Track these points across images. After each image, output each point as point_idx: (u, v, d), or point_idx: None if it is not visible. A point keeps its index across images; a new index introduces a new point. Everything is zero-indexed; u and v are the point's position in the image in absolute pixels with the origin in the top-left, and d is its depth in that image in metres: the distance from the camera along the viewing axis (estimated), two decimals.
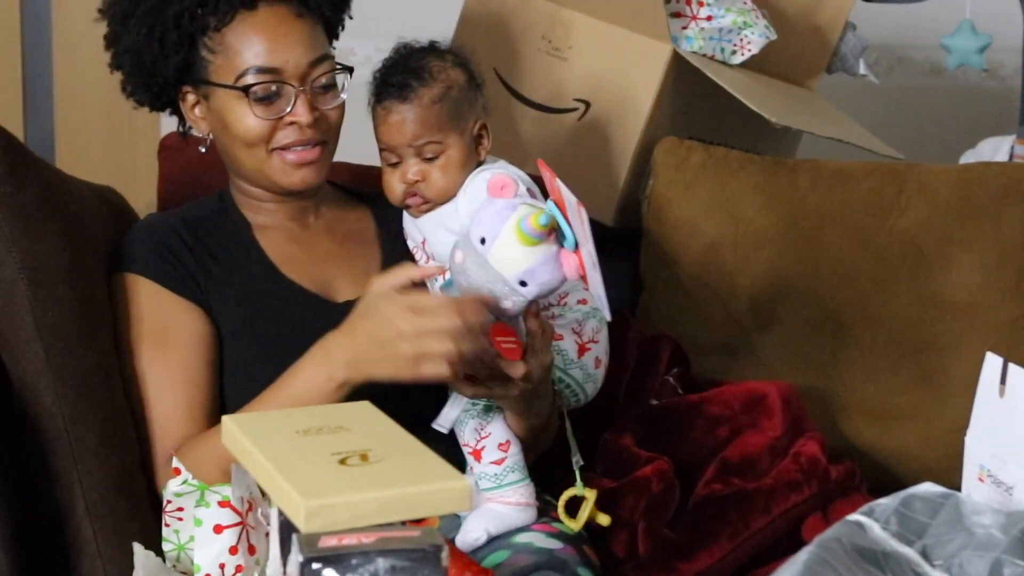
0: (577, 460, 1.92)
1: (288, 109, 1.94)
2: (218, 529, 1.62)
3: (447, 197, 1.99)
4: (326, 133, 1.98)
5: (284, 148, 1.96)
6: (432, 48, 2.02)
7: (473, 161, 2.01)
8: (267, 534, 1.54)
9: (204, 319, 1.96)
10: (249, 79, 1.92)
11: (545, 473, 2.01)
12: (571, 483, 1.96)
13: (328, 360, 1.76)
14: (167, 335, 1.93)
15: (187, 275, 1.96)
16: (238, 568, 1.61)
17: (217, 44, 1.95)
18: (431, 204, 1.99)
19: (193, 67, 1.97)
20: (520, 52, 2.59)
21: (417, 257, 2.08)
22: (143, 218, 2.09)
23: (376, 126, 1.99)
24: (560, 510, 1.91)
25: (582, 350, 2.01)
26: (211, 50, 1.95)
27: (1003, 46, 3.03)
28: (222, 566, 1.62)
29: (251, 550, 1.60)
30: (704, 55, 2.51)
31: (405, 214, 2.09)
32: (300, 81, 1.94)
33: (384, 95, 1.97)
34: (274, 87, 1.93)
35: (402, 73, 1.97)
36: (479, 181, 1.98)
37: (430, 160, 1.97)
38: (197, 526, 1.60)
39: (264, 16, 1.94)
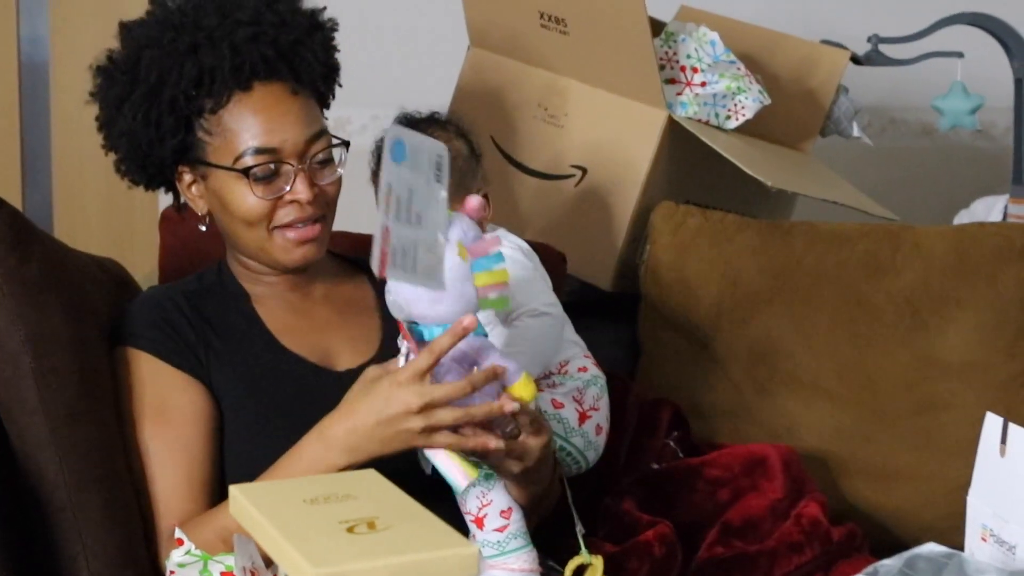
0: (580, 528, 1.92)
1: (287, 188, 1.93)
2: None
3: None
4: (324, 208, 1.98)
5: (285, 226, 1.97)
6: (434, 119, 2.04)
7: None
8: None
9: (204, 393, 1.96)
10: (248, 160, 1.92)
11: (547, 538, 2.01)
12: (574, 547, 1.96)
13: (327, 449, 1.76)
14: (167, 411, 1.93)
15: (187, 349, 1.96)
16: None
17: (214, 126, 1.94)
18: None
19: (190, 149, 1.96)
20: (517, 120, 2.61)
21: None
22: (143, 291, 2.08)
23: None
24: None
25: (583, 418, 2.01)
26: (208, 131, 1.94)
27: (995, 105, 3.06)
28: None
29: None
30: (699, 120, 2.54)
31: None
32: (299, 159, 1.93)
33: None
34: (273, 166, 1.92)
35: None
36: None
37: None
38: None
39: (259, 96, 1.94)
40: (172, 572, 1.65)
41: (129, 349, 1.97)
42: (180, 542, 1.69)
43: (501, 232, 2.06)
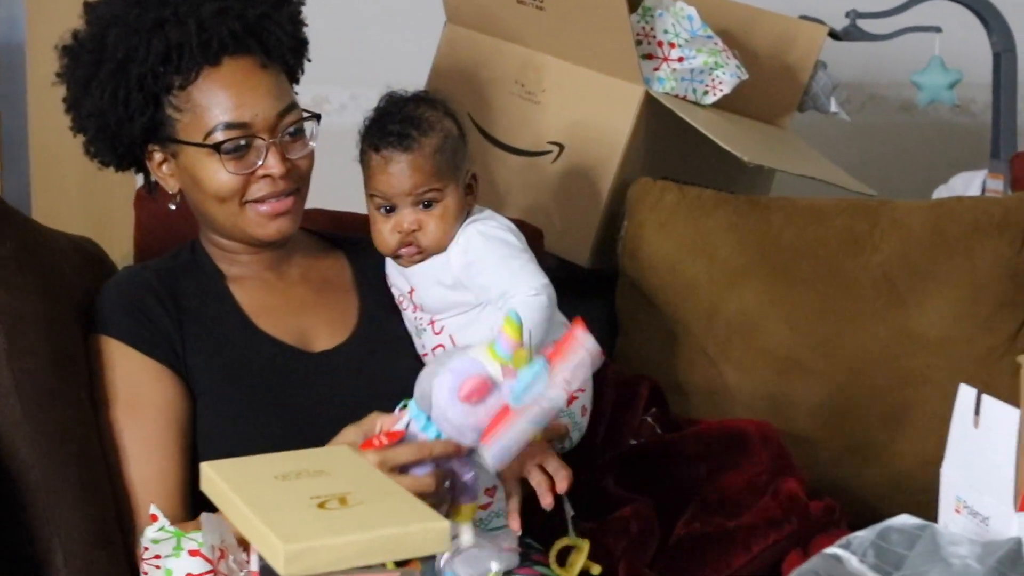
0: (569, 510, 1.92)
1: (260, 162, 1.92)
2: None
3: (442, 247, 1.99)
4: (298, 182, 1.97)
5: (256, 201, 1.96)
6: (424, 98, 2.03)
7: (465, 210, 2.02)
8: None
9: (177, 383, 1.94)
10: (219, 136, 1.91)
11: (527, 517, 2.01)
12: (553, 525, 1.96)
13: None
14: (139, 402, 1.92)
15: (160, 336, 1.95)
16: None
17: (183, 102, 1.93)
18: (425, 254, 2.00)
19: (159, 126, 1.95)
20: (494, 97, 2.61)
21: (403, 307, 2.08)
22: (116, 274, 2.07)
23: (372, 175, 1.98)
24: (552, 559, 1.92)
25: (571, 398, 2.02)
26: (177, 108, 1.93)
27: (973, 81, 3.06)
28: None
29: None
30: (676, 96, 2.53)
31: (389, 262, 2.09)
32: (270, 133, 1.93)
33: (383, 144, 1.96)
34: (244, 141, 1.92)
35: (399, 122, 1.97)
36: (471, 233, 1.99)
37: (427, 209, 1.97)
38: None
39: (229, 70, 1.93)
40: (146, 548, 1.65)
41: (102, 337, 1.96)
42: (154, 518, 1.69)
43: (488, 213, 2.06)
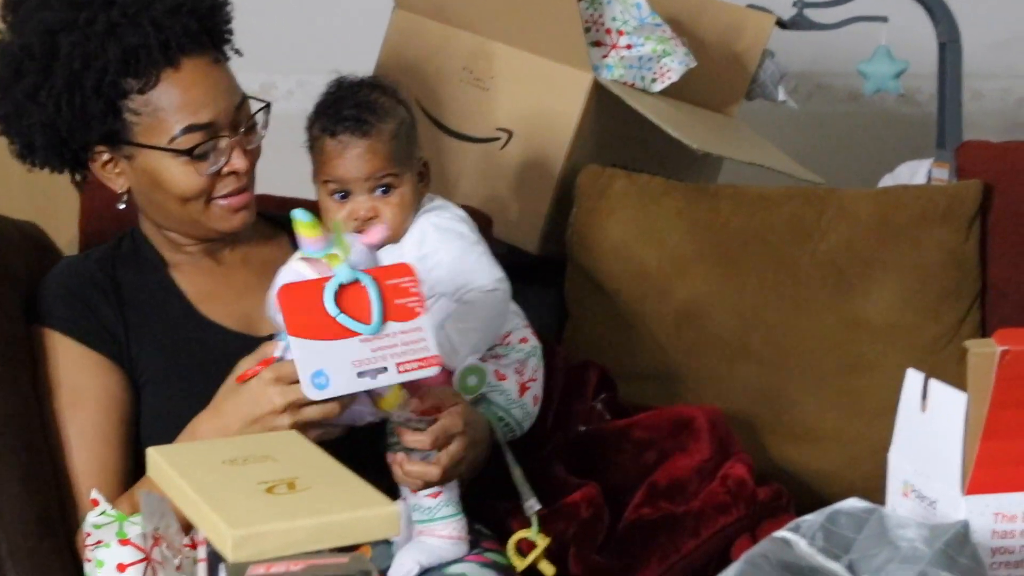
0: (531, 506, 1.92)
1: (224, 160, 1.91)
2: (121, 568, 1.59)
3: (398, 234, 1.98)
4: (252, 171, 1.97)
5: (221, 196, 1.94)
6: (376, 84, 2.01)
7: (419, 198, 2.01)
8: (177, 567, 1.52)
9: (119, 376, 1.93)
10: (187, 138, 1.88)
11: (476, 502, 2.01)
12: (504, 510, 1.96)
13: None
14: (81, 395, 1.91)
15: (102, 328, 1.93)
16: None
17: (141, 106, 1.89)
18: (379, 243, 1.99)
19: (115, 131, 1.91)
20: (442, 83, 2.60)
21: None
22: (57, 265, 2.04)
23: (326, 160, 1.96)
24: (511, 548, 1.92)
25: (523, 389, 2.01)
26: (135, 112, 1.89)
27: (919, 72, 3.07)
28: None
29: None
30: (625, 83, 2.53)
31: None
32: (232, 130, 1.91)
33: (340, 129, 1.94)
34: (211, 142, 1.90)
35: (353, 107, 1.95)
36: (426, 225, 1.98)
37: (384, 195, 1.96)
38: (99, 568, 1.58)
39: (188, 71, 1.89)
40: (88, 534, 1.63)
41: (44, 329, 1.94)
42: (95, 503, 1.67)
43: (440, 202, 2.05)
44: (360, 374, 1.62)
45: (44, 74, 1.89)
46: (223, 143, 1.90)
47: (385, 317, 1.63)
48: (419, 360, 1.65)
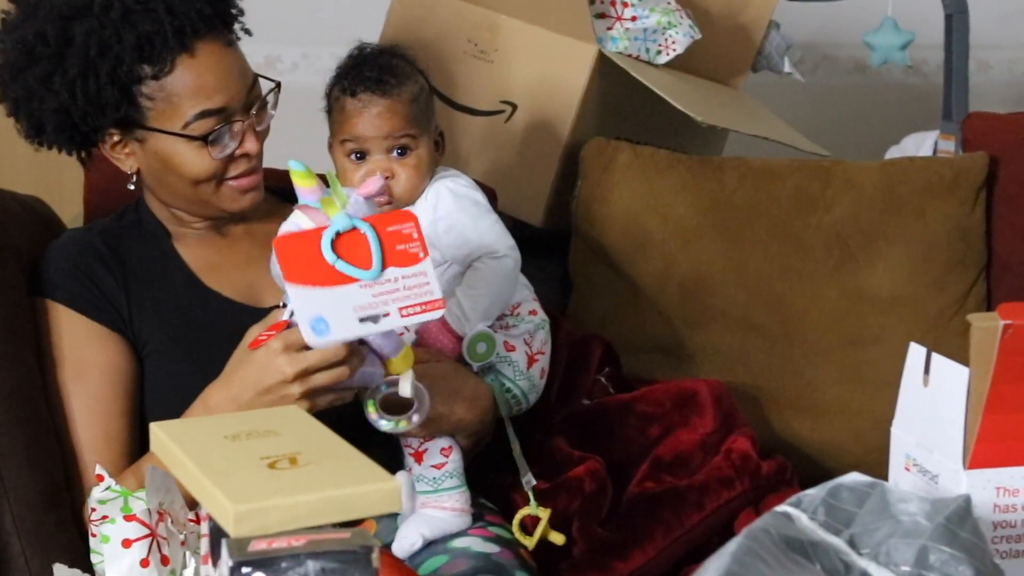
0: (528, 480, 1.92)
1: (237, 143, 1.92)
2: (126, 544, 1.60)
3: (412, 198, 1.98)
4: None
5: (233, 177, 1.94)
6: (396, 52, 2.03)
7: (434, 165, 2.01)
8: (183, 542, 1.53)
9: (122, 348, 1.94)
10: (201, 123, 1.89)
11: (479, 476, 2.01)
12: (507, 484, 1.97)
13: None
14: (84, 366, 1.92)
15: (104, 299, 1.94)
16: None
17: (156, 91, 1.89)
18: (394, 205, 1.99)
19: (129, 116, 1.92)
20: (446, 55, 2.59)
21: None
22: (60, 237, 2.04)
23: (346, 119, 1.97)
24: (515, 528, 1.93)
25: (531, 361, 2.02)
26: (149, 97, 1.90)
27: (925, 43, 3.06)
28: None
29: (164, 560, 1.59)
30: (629, 55, 2.52)
31: None
32: (244, 113, 1.92)
33: (359, 88, 1.95)
34: (224, 126, 1.90)
35: (376, 69, 1.96)
36: (441, 189, 1.98)
37: (400, 157, 1.96)
38: (104, 543, 1.59)
39: (202, 56, 1.90)
40: (93, 509, 1.64)
41: (47, 301, 1.94)
42: (100, 478, 1.68)
43: (455, 172, 2.05)
44: (362, 319, 1.60)
45: (58, 61, 1.89)
46: (236, 127, 1.91)
47: (385, 263, 1.61)
48: (422, 304, 1.63)
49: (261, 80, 1.99)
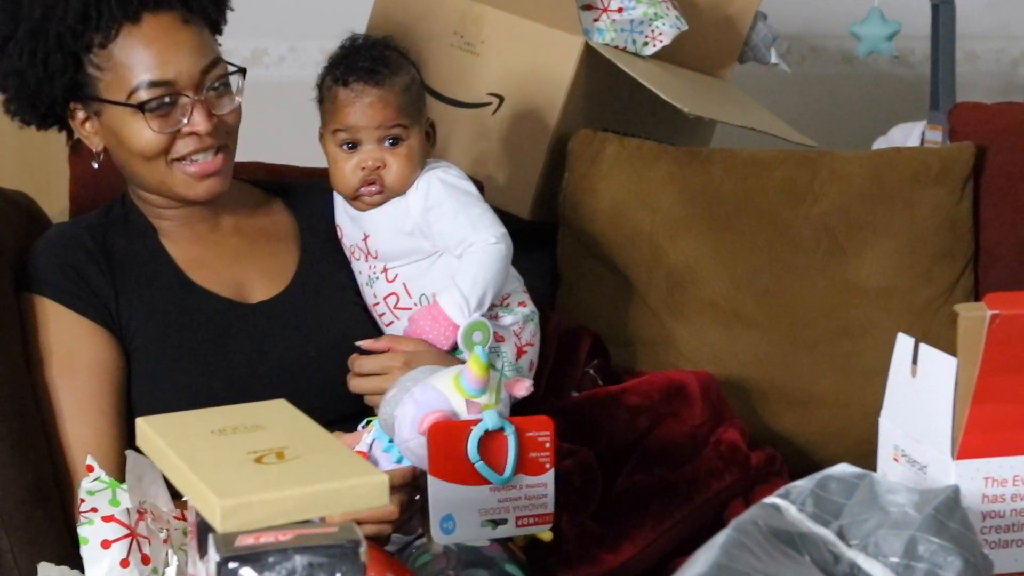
0: None
1: (185, 120, 1.90)
2: (105, 544, 1.59)
3: (403, 188, 1.99)
4: (225, 138, 1.95)
5: (183, 159, 1.92)
6: (388, 43, 2.03)
7: (425, 156, 2.01)
8: (166, 539, 1.52)
9: (111, 343, 1.93)
10: (142, 94, 1.88)
11: None
12: None
13: None
14: (73, 362, 1.91)
15: (92, 294, 1.93)
16: None
17: (104, 61, 1.90)
18: (385, 195, 1.99)
19: (81, 86, 1.92)
20: (432, 48, 2.58)
21: (354, 257, 2.07)
22: (46, 232, 2.03)
23: (338, 109, 1.97)
24: None
25: (520, 353, 2.02)
26: (98, 67, 1.90)
27: (912, 33, 3.06)
28: None
29: (145, 560, 1.58)
30: (616, 47, 2.52)
31: (340, 211, 2.07)
32: (195, 90, 1.90)
33: (352, 78, 1.96)
34: (168, 99, 1.89)
35: (369, 60, 1.97)
36: (432, 179, 1.98)
37: (392, 147, 1.96)
38: (84, 545, 1.58)
39: (150, 27, 1.89)
40: (82, 500, 1.63)
41: (35, 296, 1.93)
42: (90, 468, 1.67)
43: (444, 164, 2.06)
44: (483, 523, 1.63)
45: (12, 24, 1.91)
46: (183, 101, 1.90)
47: (516, 469, 1.63)
48: (537, 516, 1.66)
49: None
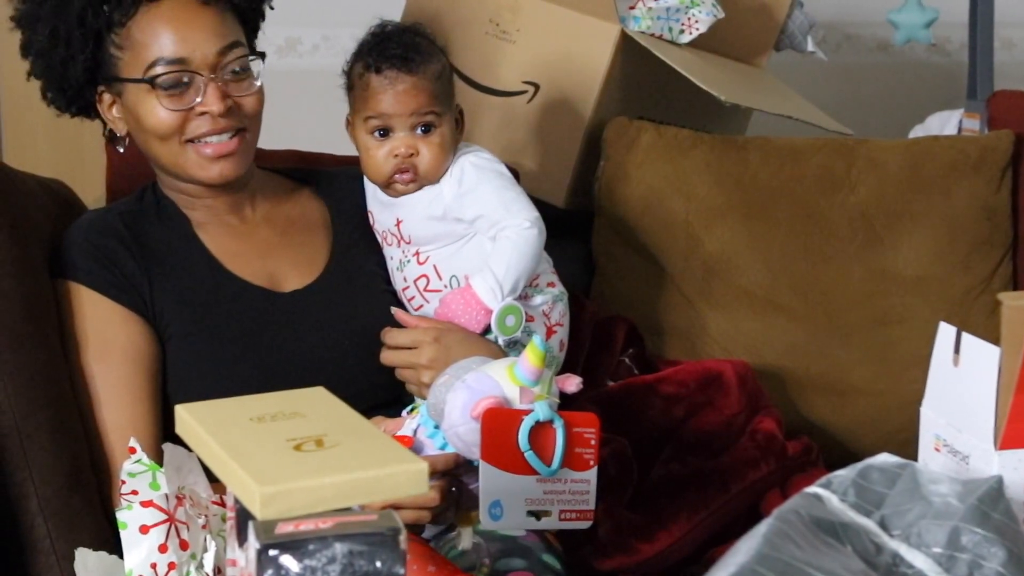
0: None
1: (198, 99, 1.90)
2: (144, 530, 1.59)
3: (437, 176, 1.99)
4: (243, 121, 1.95)
5: (197, 139, 1.92)
6: (419, 30, 2.03)
7: (456, 143, 2.01)
8: (204, 525, 1.52)
9: (145, 329, 1.93)
10: (157, 71, 1.89)
11: None
12: None
13: None
14: (108, 348, 1.91)
15: (126, 281, 1.93)
16: (170, 566, 1.58)
17: (123, 39, 1.91)
18: (419, 182, 1.99)
19: (102, 65, 1.94)
20: (468, 36, 2.58)
21: (386, 243, 2.06)
22: (79, 219, 2.03)
23: (370, 96, 1.97)
24: None
25: (550, 332, 2.02)
26: (118, 46, 1.91)
27: (949, 21, 3.05)
28: (153, 566, 1.58)
29: (183, 545, 1.58)
30: (652, 35, 2.51)
31: (372, 196, 2.07)
32: (210, 70, 1.90)
33: (385, 65, 1.95)
34: (184, 78, 1.89)
35: (400, 47, 1.96)
36: (465, 164, 1.98)
37: (425, 134, 1.96)
38: (122, 529, 1.58)
39: (168, 7, 1.91)
40: (123, 482, 1.63)
41: (69, 283, 1.94)
42: (132, 451, 1.67)
43: (476, 149, 2.05)
44: (528, 512, 1.64)
45: (39, 4, 1.94)
46: (197, 81, 1.90)
47: (563, 463, 1.63)
48: (578, 512, 1.67)
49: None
